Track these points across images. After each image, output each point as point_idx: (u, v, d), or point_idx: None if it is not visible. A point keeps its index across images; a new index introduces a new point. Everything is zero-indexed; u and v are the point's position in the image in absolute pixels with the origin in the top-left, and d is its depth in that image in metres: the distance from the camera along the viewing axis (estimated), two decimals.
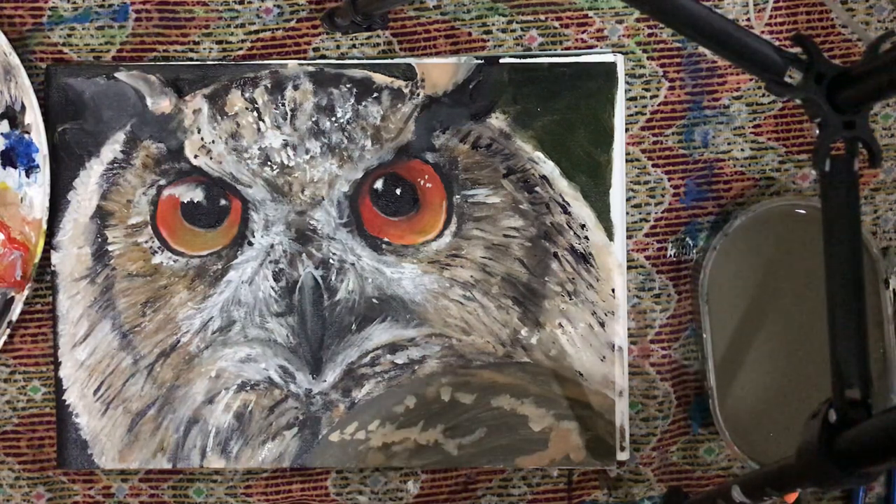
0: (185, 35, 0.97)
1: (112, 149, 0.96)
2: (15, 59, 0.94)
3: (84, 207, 0.97)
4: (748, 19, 0.99)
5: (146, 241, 0.97)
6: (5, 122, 0.95)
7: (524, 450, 0.99)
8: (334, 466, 0.99)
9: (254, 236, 0.97)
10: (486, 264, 0.98)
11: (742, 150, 1.00)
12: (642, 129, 0.99)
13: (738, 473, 1.01)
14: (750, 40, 0.72)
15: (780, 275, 0.99)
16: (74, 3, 0.96)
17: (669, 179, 1.00)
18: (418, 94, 0.97)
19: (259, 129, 0.96)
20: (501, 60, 0.97)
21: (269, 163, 0.96)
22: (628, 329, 0.99)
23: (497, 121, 0.97)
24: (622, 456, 0.99)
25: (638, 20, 0.99)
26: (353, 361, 0.97)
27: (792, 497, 0.90)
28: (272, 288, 0.97)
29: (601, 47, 0.99)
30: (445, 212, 0.98)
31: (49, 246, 0.96)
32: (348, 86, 0.97)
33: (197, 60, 0.97)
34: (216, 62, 0.97)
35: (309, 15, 0.98)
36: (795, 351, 0.98)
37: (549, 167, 0.98)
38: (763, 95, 1.00)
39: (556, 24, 0.99)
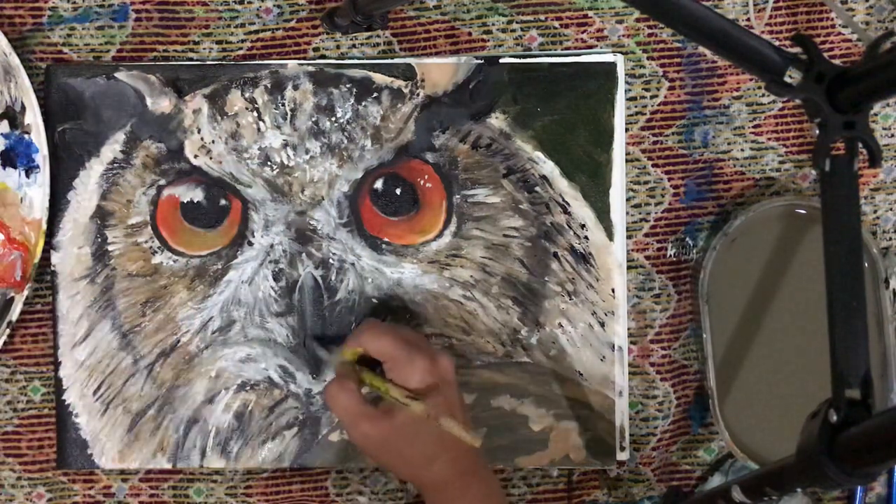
0: (185, 35, 0.97)
1: (112, 149, 0.96)
2: (15, 59, 0.93)
3: (84, 207, 0.96)
4: (748, 19, 0.99)
5: (146, 241, 0.97)
6: (5, 123, 0.95)
7: (524, 450, 0.99)
8: (334, 466, 0.99)
9: (254, 236, 0.97)
10: (486, 264, 0.98)
11: (742, 150, 1.00)
12: (642, 129, 0.99)
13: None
14: (750, 40, 0.72)
15: (780, 275, 0.99)
16: (74, 3, 0.96)
17: (669, 179, 1.00)
18: (418, 94, 0.97)
19: (259, 129, 0.96)
20: (501, 60, 0.97)
21: (269, 163, 0.96)
22: (628, 329, 0.99)
23: (497, 121, 0.97)
24: (622, 456, 0.99)
25: (638, 20, 0.99)
26: None
27: None
28: (272, 288, 0.97)
29: (601, 47, 0.99)
30: (445, 212, 0.98)
31: (49, 246, 0.96)
32: (348, 86, 0.97)
33: (197, 60, 0.97)
34: (216, 62, 0.97)
35: (309, 15, 0.98)
36: (795, 351, 0.98)
37: (549, 167, 0.98)
38: (763, 95, 1.00)
39: (556, 24, 0.99)
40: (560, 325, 0.98)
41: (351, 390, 0.87)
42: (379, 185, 0.97)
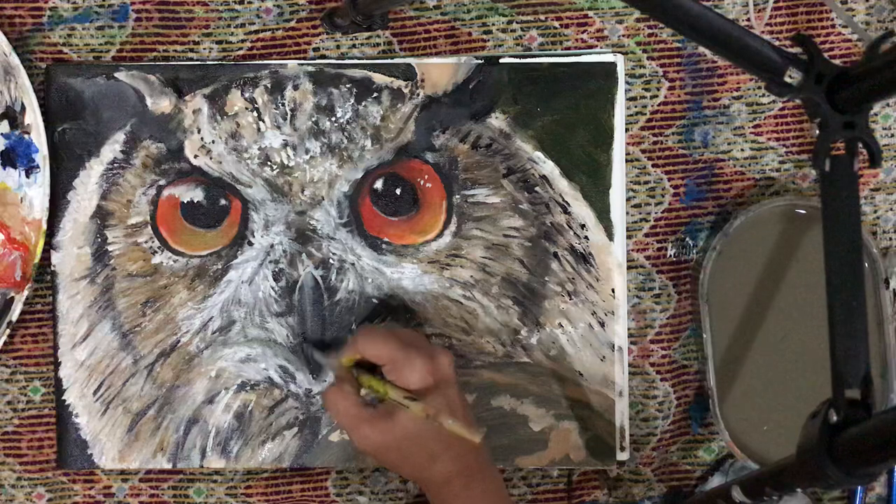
0: (185, 35, 0.97)
1: (112, 149, 0.96)
2: (15, 59, 0.93)
3: (84, 207, 0.97)
4: (748, 19, 0.99)
5: (146, 241, 0.97)
6: (5, 123, 0.95)
7: (524, 450, 0.99)
8: (334, 466, 0.99)
9: (254, 236, 0.97)
10: (486, 264, 0.98)
11: (742, 150, 1.00)
12: (642, 129, 0.99)
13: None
14: (750, 40, 0.72)
15: (780, 275, 0.99)
16: (74, 3, 0.96)
17: (669, 179, 1.00)
18: (418, 94, 0.97)
19: (259, 129, 0.96)
20: (501, 60, 0.97)
21: (269, 163, 0.96)
22: (628, 329, 0.99)
23: (497, 121, 0.97)
24: (622, 456, 0.99)
25: (638, 20, 0.99)
26: None
27: None
28: (272, 288, 0.97)
29: (601, 47, 0.99)
30: (445, 212, 0.98)
31: (49, 246, 0.96)
32: (348, 86, 0.97)
33: (197, 60, 0.97)
34: (216, 62, 0.97)
35: (309, 15, 0.98)
36: (795, 351, 0.98)
37: (549, 167, 0.98)
38: (763, 95, 1.00)
39: (556, 24, 0.99)
40: (560, 325, 0.98)
41: (349, 394, 0.87)
42: (379, 185, 0.97)
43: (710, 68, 0.99)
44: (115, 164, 0.96)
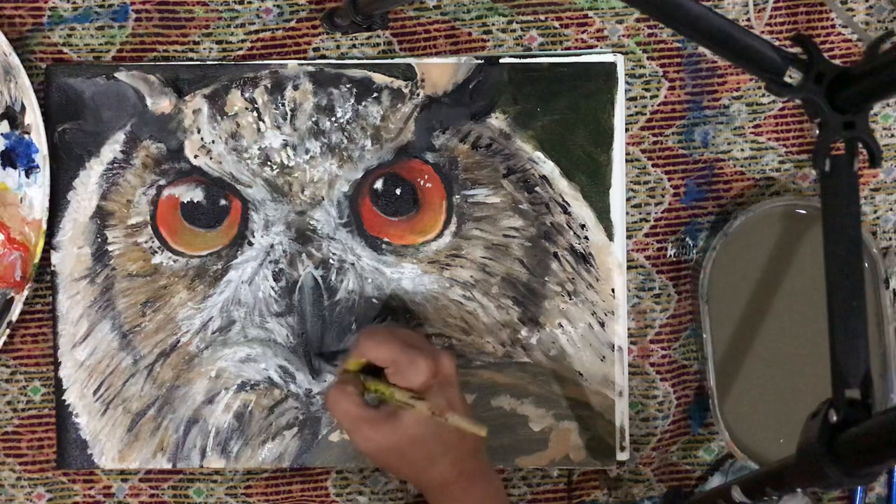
0: (185, 35, 0.97)
1: (112, 149, 0.96)
2: (15, 59, 0.93)
3: (84, 207, 0.97)
4: (748, 19, 0.99)
5: (146, 241, 0.97)
6: (5, 123, 0.95)
7: (524, 450, 0.99)
8: (334, 466, 0.99)
9: (254, 236, 0.97)
10: (486, 264, 0.98)
11: (742, 150, 1.00)
12: (642, 129, 0.99)
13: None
14: (750, 40, 0.72)
15: (780, 275, 0.99)
16: (74, 3, 0.96)
17: (669, 179, 1.00)
18: (418, 94, 0.97)
19: (259, 129, 0.96)
20: (501, 60, 0.97)
21: (269, 163, 0.96)
22: (628, 329, 0.99)
23: (497, 121, 0.97)
24: (622, 456, 0.99)
25: (638, 20, 0.99)
26: None
27: None
28: (272, 288, 0.97)
29: (601, 47, 0.99)
30: (445, 212, 0.98)
31: (49, 246, 0.96)
32: (348, 86, 0.97)
33: (197, 60, 0.97)
34: (216, 62, 0.97)
35: (309, 15, 0.98)
36: (795, 351, 0.98)
37: (549, 167, 0.98)
38: (763, 95, 1.00)
39: (556, 24, 0.99)
40: (560, 325, 0.98)
41: (351, 395, 0.87)
42: (379, 185, 0.97)
43: (710, 68, 0.99)
44: (115, 164, 0.96)
